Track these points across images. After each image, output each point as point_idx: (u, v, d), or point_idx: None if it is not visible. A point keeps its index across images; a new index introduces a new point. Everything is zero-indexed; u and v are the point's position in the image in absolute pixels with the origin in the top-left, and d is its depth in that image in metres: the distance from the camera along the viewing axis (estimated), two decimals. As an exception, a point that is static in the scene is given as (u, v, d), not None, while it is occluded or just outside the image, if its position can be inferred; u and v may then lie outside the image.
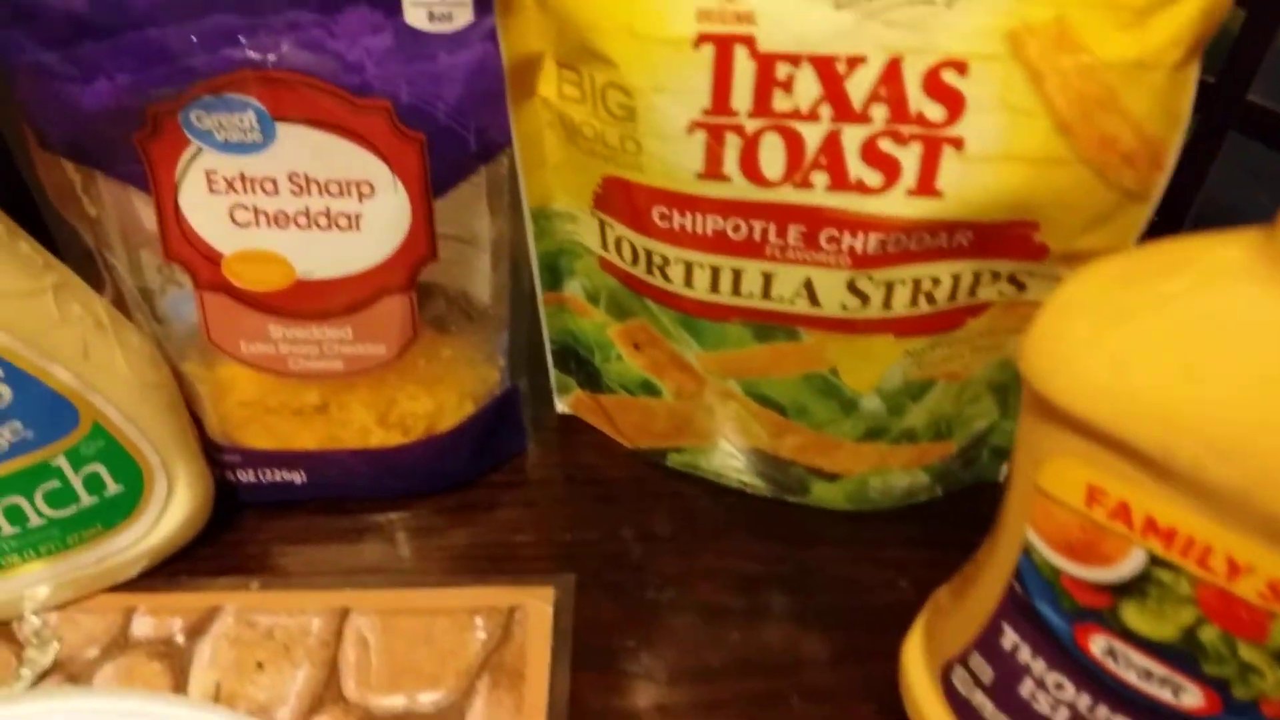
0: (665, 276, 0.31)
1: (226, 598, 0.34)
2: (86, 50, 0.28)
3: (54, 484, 0.30)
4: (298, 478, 0.36)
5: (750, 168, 0.27)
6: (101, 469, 0.31)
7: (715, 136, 0.27)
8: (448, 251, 0.33)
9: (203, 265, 0.32)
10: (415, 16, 0.29)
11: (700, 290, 0.30)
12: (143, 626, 0.33)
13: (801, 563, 0.35)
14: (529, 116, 0.30)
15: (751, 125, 0.26)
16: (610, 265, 0.33)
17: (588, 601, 0.33)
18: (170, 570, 0.35)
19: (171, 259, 0.32)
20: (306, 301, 0.32)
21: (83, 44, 0.28)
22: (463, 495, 0.38)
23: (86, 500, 0.31)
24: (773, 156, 0.27)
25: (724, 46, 0.25)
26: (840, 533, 0.36)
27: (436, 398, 0.36)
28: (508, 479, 0.39)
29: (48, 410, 0.29)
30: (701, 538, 0.36)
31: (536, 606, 0.33)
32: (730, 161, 0.27)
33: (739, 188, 0.28)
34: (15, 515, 0.30)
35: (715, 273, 0.30)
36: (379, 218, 0.31)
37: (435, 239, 0.32)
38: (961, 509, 0.37)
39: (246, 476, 0.36)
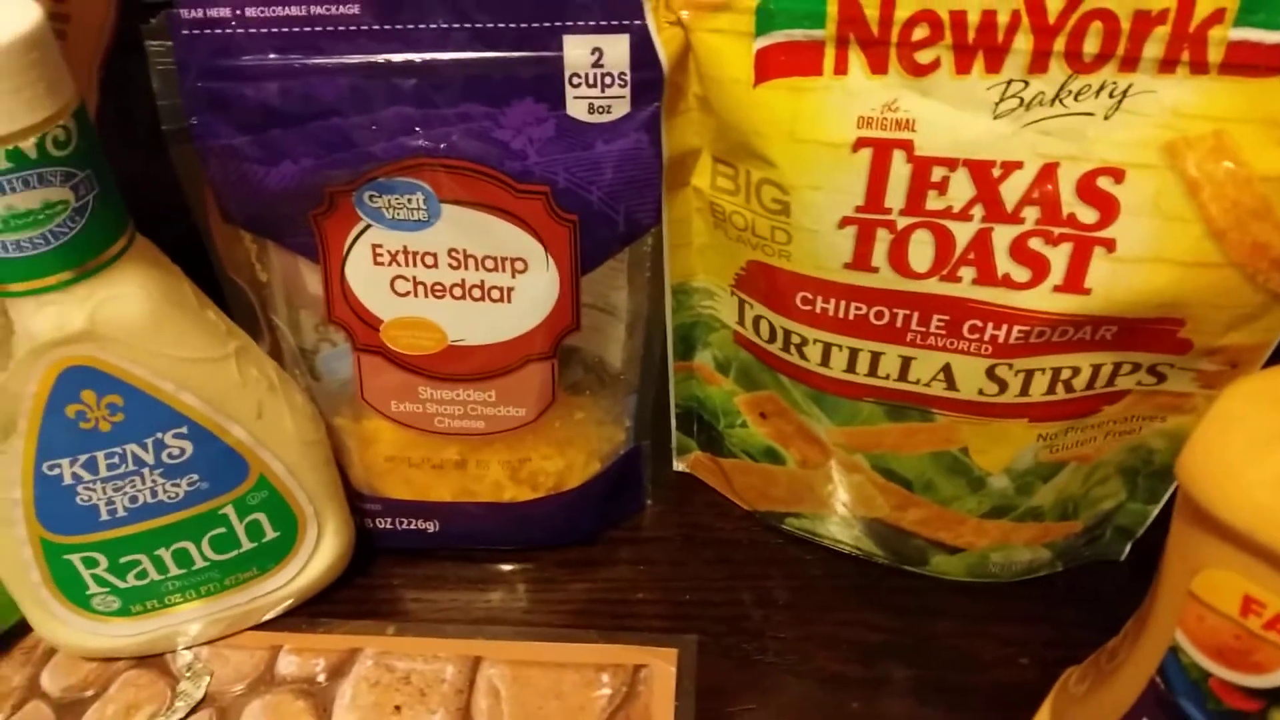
0: (802, 355, 0.32)
1: (365, 641, 0.36)
2: (275, 136, 0.30)
3: (220, 530, 0.33)
4: (431, 527, 0.38)
5: (899, 261, 0.28)
6: (263, 517, 0.33)
7: (866, 231, 0.28)
8: (588, 320, 0.34)
9: (361, 329, 0.34)
10: (577, 109, 0.30)
11: (836, 370, 0.31)
12: (288, 665, 0.35)
13: (920, 634, 0.36)
14: (680, 203, 0.31)
15: (903, 222, 0.27)
16: (745, 340, 0.34)
17: (707, 664, 0.34)
18: (311, 611, 0.37)
19: (333, 322, 0.34)
20: (456, 365, 0.34)
21: (271, 130, 0.30)
22: (584, 550, 0.39)
23: (247, 545, 0.33)
24: (921, 251, 0.28)
25: (882, 150, 0.26)
26: (959, 605, 0.37)
27: (567, 457, 0.37)
28: (627, 536, 0.40)
29: (222, 464, 0.31)
30: (819, 605, 0.37)
31: (661, 667, 0.34)
32: (879, 255, 0.28)
33: (885, 279, 0.29)
34: (183, 558, 0.33)
35: (853, 354, 0.31)
36: (529, 291, 0.33)
37: (579, 311, 0.33)
38: (1079, 585, 0.37)
39: (384, 524, 0.38)
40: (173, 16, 0.29)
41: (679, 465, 0.41)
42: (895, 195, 0.27)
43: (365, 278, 0.33)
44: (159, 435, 0.29)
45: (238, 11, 0.29)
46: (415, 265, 0.33)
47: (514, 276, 0.33)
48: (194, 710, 0.34)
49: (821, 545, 0.39)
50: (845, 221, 0.28)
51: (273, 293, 0.35)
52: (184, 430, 0.30)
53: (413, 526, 0.38)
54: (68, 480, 0.29)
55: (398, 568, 0.39)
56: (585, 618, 0.37)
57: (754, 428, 0.36)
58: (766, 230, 0.29)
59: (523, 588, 0.38)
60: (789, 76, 0.26)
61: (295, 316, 0.36)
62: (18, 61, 0.23)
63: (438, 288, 0.33)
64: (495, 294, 0.33)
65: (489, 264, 0.32)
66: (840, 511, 0.37)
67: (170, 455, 0.30)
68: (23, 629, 0.36)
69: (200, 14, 0.29)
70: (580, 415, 0.37)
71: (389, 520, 0.38)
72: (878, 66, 0.26)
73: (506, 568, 0.39)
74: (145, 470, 0.30)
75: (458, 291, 0.33)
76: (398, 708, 0.33)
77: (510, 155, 0.30)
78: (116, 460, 0.29)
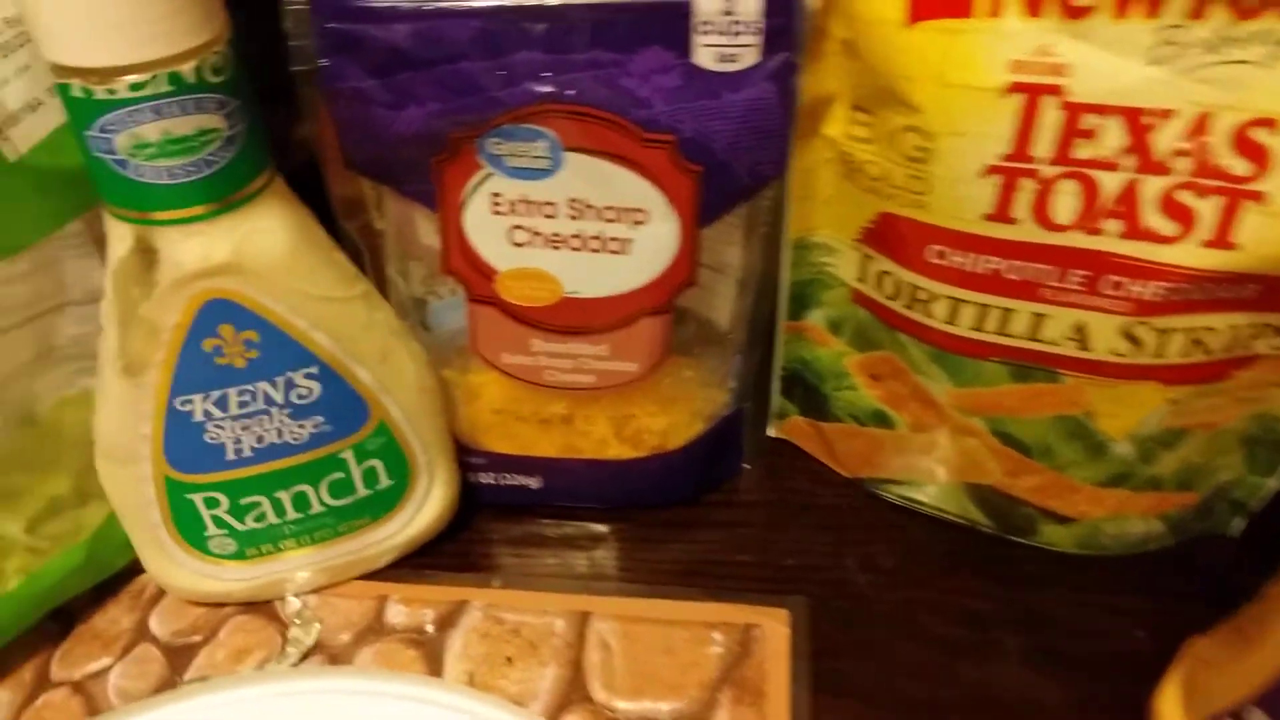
0: (927, 312, 0.31)
1: (472, 593, 0.36)
2: (403, 79, 0.30)
3: (338, 475, 0.33)
4: (533, 483, 0.38)
5: (1041, 212, 0.28)
6: (379, 464, 0.33)
7: (1009, 181, 0.27)
8: (700, 277, 0.34)
9: (477, 280, 0.34)
10: (704, 57, 0.30)
11: (962, 327, 0.31)
12: (396, 614, 0.35)
13: (1029, 604, 0.35)
14: (809, 153, 0.31)
15: (1049, 171, 0.27)
16: (864, 298, 0.33)
17: (816, 627, 0.34)
18: (414, 564, 0.37)
19: (448, 272, 0.34)
20: (570, 318, 0.34)
21: (401, 73, 0.30)
22: (681, 512, 0.39)
23: (362, 492, 0.34)
24: (1066, 202, 0.27)
25: (1033, 96, 0.26)
26: (1066, 576, 0.36)
27: (671, 416, 0.37)
28: (724, 499, 0.40)
29: (346, 407, 0.31)
30: (925, 572, 0.36)
31: (773, 626, 0.34)
32: (1021, 205, 0.28)
33: (1026, 230, 0.28)
34: (301, 502, 0.33)
35: (982, 311, 0.30)
36: (649, 243, 0.32)
37: (697, 266, 0.33)
38: (1187, 558, 0.36)
39: (487, 478, 0.38)
40: (307, -44, 0.29)
41: (775, 430, 0.41)
42: (1043, 143, 0.27)
43: (482, 227, 0.33)
44: (290, 374, 0.30)
45: (373, -48, 0.29)
46: (534, 215, 0.33)
47: (633, 228, 0.32)
48: (306, 656, 0.34)
49: (924, 512, 0.38)
50: (989, 170, 0.27)
51: (386, 243, 0.35)
52: (314, 370, 0.30)
53: (515, 482, 0.38)
54: (198, 417, 0.29)
55: (497, 523, 0.39)
56: (688, 578, 0.36)
57: (864, 390, 0.36)
58: (903, 180, 0.29)
59: (622, 547, 0.38)
60: (942, 17, 0.26)
61: (405, 267, 0.36)
62: (181, -16, 0.23)
63: (555, 238, 0.33)
64: (614, 245, 0.33)
65: (609, 214, 0.32)
66: (947, 478, 0.37)
67: (299, 395, 0.30)
68: (130, 572, 0.36)
69: (336, -46, 0.29)
70: (688, 374, 0.36)
71: (492, 475, 0.38)
72: (1034, 7, 0.25)
73: (604, 527, 0.39)
74: (274, 410, 0.30)
75: (576, 242, 0.33)
76: (509, 659, 0.33)
77: (637, 103, 0.30)
78: (248, 398, 0.29)
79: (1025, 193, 0.27)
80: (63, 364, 0.34)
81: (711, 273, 0.35)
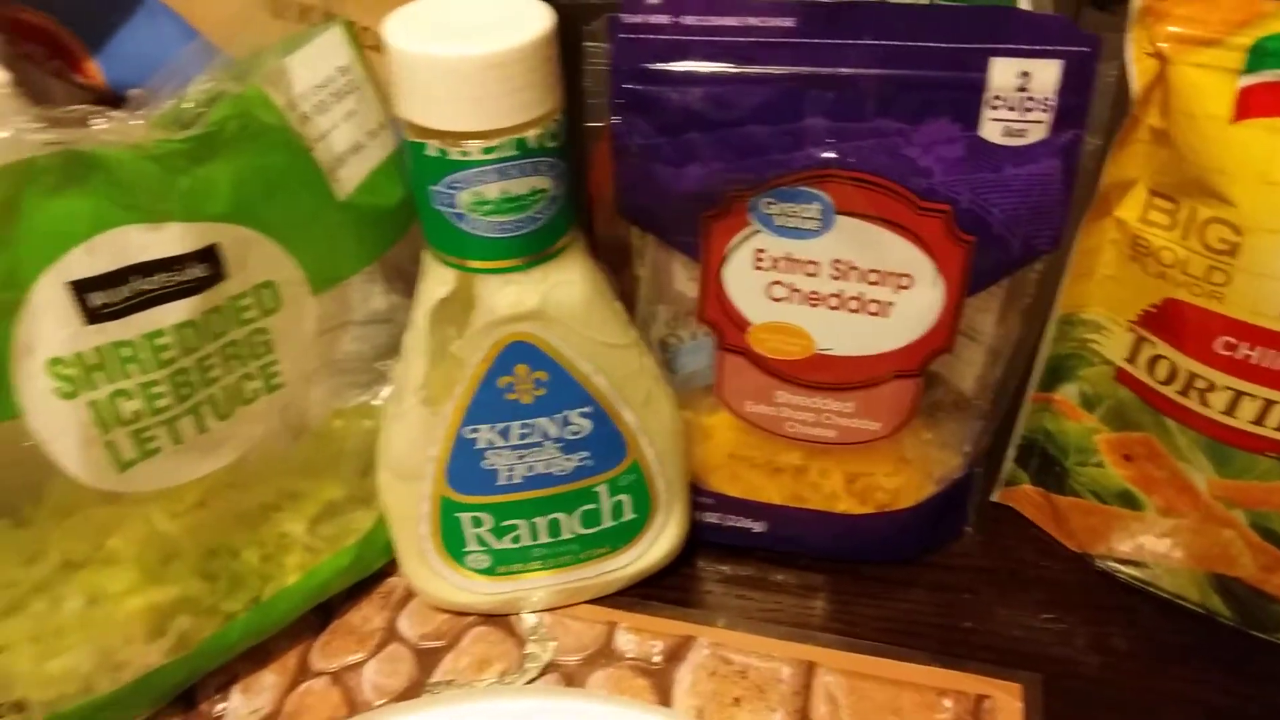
0: (1204, 401, 0.31)
1: (699, 630, 0.37)
2: (690, 140, 0.32)
3: (591, 506, 0.34)
4: (758, 527, 0.39)
5: (1353, 314, 0.27)
6: (627, 499, 0.35)
7: (1323, 280, 0.27)
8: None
9: (730, 330, 0.35)
10: (991, 131, 0.30)
11: (1241, 420, 0.30)
12: (626, 643, 0.36)
13: (1275, 704, 0.34)
14: (1095, 233, 0.31)
15: (1368, 274, 0.26)
16: (1130, 378, 0.33)
17: (1049, 705, 0.34)
18: (640, 593, 0.38)
19: (704, 321, 0.35)
20: (818, 374, 0.35)
21: (688, 134, 0.32)
22: (903, 570, 0.39)
23: (608, 523, 0.35)
24: (1382, 306, 0.26)
25: (1362, 198, 0.25)
26: (1316, 679, 0.34)
27: (904, 476, 0.37)
28: (944, 560, 0.40)
29: (609, 444, 0.33)
30: (1161, 659, 0.35)
31: (1005, 700, 0.34)
32: (1332, 306, 0.27)
33: (1332, 331, 0.27)
34: (554, 528, 0.35)
35: (1267, 406, 0.29)
36: (910, 308, 0.33)
37: (955, 333, 0.33)
38: None
39: (711, 518, 0.39)
40: (613, 21, 0.31)
41: (998, 496, 0.41)
42: (1366, 246, 0.26)
43: (742, 281, 0.34)
44: (567, 412, 0.31)
45: (675, 20, 0.31)
46: (795, 272, 0.33)
47: (896, 292, 0.33)
48: (543, 673, 0.36)
49: (1158, 596, 0.37)
50: (1300, 268, 0.27)
51: (641, 286, 0.37)
52: (589, 410, 0.32)
53: (739, 525, 0.39)
54: (481, 445, 0.32)
55: (718, 564, 0.40)
56: (910, 638, 0.36)
57: (1112, 469, 0.35)
58: (1201, 269, 0.28)
59: (842, 598, 0.38)
60: (1272, 116, 0.25)
61: (654, 310, 0.37)
62: (536, 58, 0.25)
63: (814, 296, 0.34)
64: (873, 307, 0.33)
65: (873, 277, 0.33)
66: (1189, 565, 0.35)
67: (571, 431, 0.32)
68: (381, 574, 0.39)
69: (640, 20, 0.31)
70: (928, 436, 0.37)
71: (717, 515, 0.39)
72: (1375, 112, 0.25)
73: (821, 577, 0.39)
74: (547, 443, 0.32)
75: (834, 302, 0.34)
76: (737, 700, 0.34)
77: (917, 172, 0.31)
78: (528, 431, 0.31)
79: (1338, 293, 0.27)
80: (338, 376, 0.37)
81: (964, 339, 0.35)
